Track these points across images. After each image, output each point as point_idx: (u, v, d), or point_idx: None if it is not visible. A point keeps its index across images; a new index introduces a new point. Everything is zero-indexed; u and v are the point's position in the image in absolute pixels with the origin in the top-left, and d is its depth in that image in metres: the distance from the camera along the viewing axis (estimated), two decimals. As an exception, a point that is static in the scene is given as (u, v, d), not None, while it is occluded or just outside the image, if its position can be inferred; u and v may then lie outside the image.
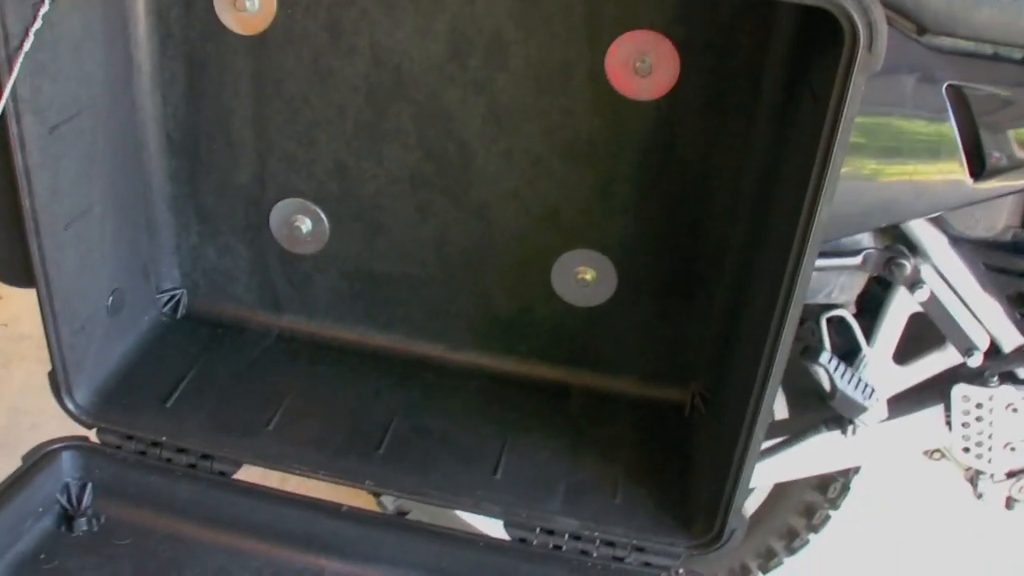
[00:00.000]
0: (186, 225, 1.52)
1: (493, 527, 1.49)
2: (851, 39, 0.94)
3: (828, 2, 0.93)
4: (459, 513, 1.79)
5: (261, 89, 1.38)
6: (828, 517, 1.93)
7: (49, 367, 1.34)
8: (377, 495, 1.81)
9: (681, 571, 1.27)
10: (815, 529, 1.95)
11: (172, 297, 1.56)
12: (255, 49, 1.36)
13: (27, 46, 1.13)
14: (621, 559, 1.29)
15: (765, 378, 1.14)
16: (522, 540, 1.31)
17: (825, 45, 1.01)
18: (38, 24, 1.14)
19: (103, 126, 1.33)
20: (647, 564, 1.29)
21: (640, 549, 1.29)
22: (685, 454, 1.39)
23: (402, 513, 1.82)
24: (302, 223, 1.47)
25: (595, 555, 1.29)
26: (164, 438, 1.37)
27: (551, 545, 1.30)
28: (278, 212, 1.47)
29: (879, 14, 0.95)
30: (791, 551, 2.00)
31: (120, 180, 1.40)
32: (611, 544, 1.29)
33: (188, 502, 1.34)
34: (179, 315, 1.56)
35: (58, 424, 1.38)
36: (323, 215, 1.46)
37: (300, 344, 1.54)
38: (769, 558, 2.02)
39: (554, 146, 1.34)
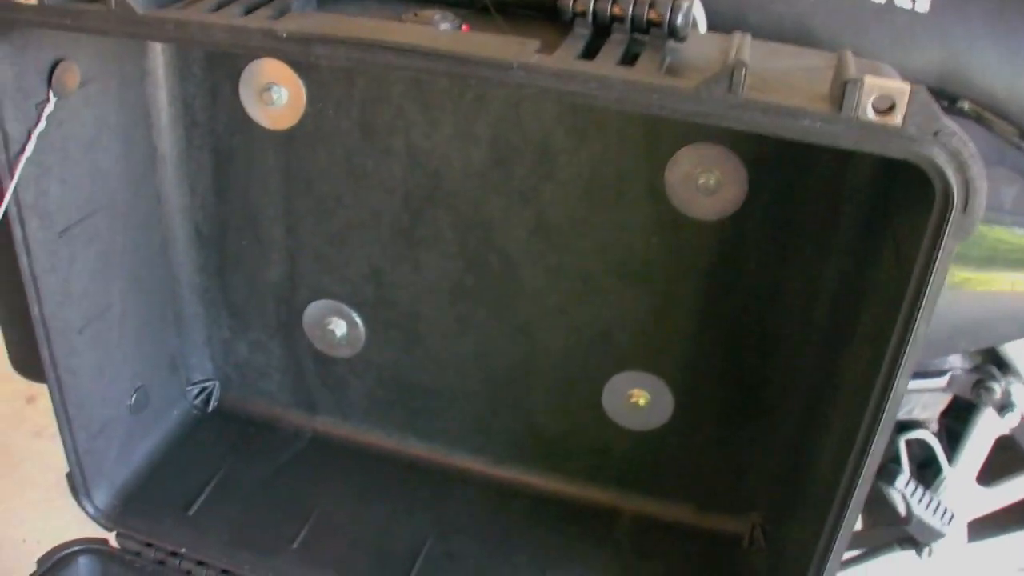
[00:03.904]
0: (216, 318, 1.43)
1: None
2: (943, 198, 0.78)
3: (918, 155, 0.77)
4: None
5: (291, 186, 1.27)
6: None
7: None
8: None
9: None
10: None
11: (204, 389, 1.48)
12: (284, 144, 1.25)
13: (29, 150, 1.04)
14: None
15: (840, 515, 1.00)
16: None
17: (912, 193, 0.85)
18: (42, 126, 1.05)
19: (123, 222, 1.24)
20: None
21: None
22: None
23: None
24: (336, 326, 1.36)
25: None
26: (184, 549, 1.29)
27: None
28: (311, 313, 1.37)
29: (978, 171, 0.78)
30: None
31: (144, 275, 1.32)
32: None
33: (203, 617, 1.27)
34: (210, 408, 1.48)
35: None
36: (358, 319, 1.35)
37: (334, 448, 1.44)
38: None
39: (607, 264, 1.21)
